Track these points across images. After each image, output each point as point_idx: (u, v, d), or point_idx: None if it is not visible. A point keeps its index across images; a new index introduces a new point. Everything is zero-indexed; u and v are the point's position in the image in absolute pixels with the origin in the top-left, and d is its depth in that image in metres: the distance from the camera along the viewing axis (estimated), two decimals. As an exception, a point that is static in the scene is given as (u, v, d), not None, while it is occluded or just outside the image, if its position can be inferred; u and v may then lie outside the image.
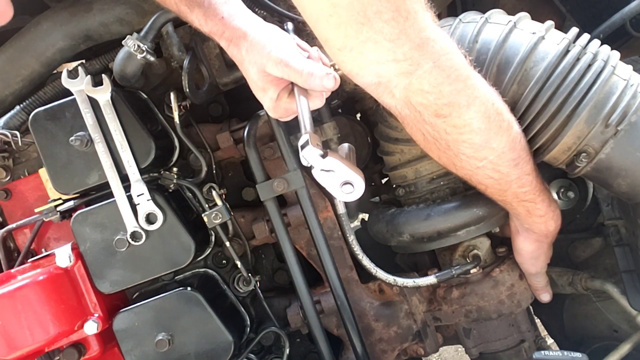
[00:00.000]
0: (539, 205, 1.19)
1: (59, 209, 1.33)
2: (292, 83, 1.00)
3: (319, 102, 1.04)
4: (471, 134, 1.04)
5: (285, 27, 1.20)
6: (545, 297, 1.42)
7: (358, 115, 1.79)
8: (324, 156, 0.88)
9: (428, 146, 1.12)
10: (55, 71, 1.41)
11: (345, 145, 1.02)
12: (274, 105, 1.04)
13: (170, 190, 1.35)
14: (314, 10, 0.91)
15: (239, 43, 1.02)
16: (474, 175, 1.14)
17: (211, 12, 1.04)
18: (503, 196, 1.18)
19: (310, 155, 0.87)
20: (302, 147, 0.88)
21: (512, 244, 1.35)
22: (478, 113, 1.02)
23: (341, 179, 0.88)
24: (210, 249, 1.41)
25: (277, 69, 0.98)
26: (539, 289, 1.41)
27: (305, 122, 0.92)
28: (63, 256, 1.27)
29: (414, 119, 1.05)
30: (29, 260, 1.36)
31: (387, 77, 0.97)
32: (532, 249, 1.31)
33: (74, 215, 1.29)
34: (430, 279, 1.35)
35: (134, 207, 1.26)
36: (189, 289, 1.33)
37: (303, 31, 1.32)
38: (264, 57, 0.99)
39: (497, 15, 1.20)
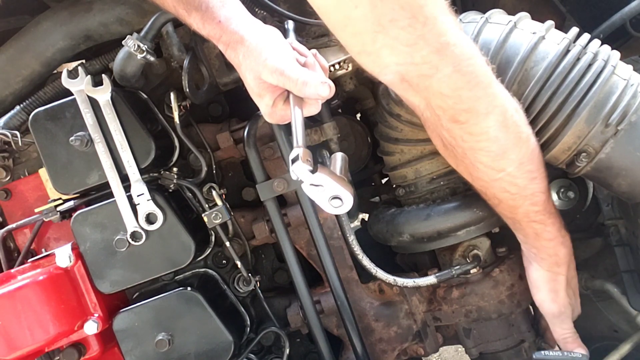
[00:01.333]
0: (549, 228, 1.18)
1: (59, 209, 1.33)
2: (287, 90, 1.00)
3: (314, 109, 1.04)
4: (488, 142, 1.04)
5: (286, 26, 1.20)
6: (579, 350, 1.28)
7: (358, 115, 1.79)
8: (313, 171, 0.89)
9: (446, 153, 1.12)
10: (55, 71, 1.41)
11: (339, 154, 1.02)
12: (270, 111, 1.05)
13: (170, 190, 1.35)
14: (331, 20, 0.94)
15: (236, 48, 1.02)
16: (490, 187, 1.13)
17: (208, 15, 1.04)
18: (514, 213, 1.17)
19: (299, 170, 0.89)
20: (293, 161, 0.90)
21: (527, 279, 1.31)
22: (496, 122, 1.02)
23: (330, 193, 0.90)
24: (210, 249, 1.41)
25: (272, 77, 0.98)
26: (567, 338, 1.29)
27: (298, 136, 0.93)
28: (63, 256, 1.27)
29: (433, 122, 1.06)
30: (29, 260, 1.36)
31: (409, 77, 0.98)
32: (546, 280, 1.26)
33: (74, 215, 1.29)
34: (430, 279, 1.35)
35: (134, 207, 1.26)
36: (189, 289, 1.33)
37: (303, 30, 1.32)
38: (259, 64, 0.99)
39: (497, 15, 1.19)
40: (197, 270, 1.43)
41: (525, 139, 1.07)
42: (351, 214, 1.44)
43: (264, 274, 1.57)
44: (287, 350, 1.43)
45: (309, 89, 0.96)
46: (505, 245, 1.43)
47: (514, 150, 1.06)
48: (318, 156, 1.41)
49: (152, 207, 1.26)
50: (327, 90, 0.96)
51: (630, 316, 1.38)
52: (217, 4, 1.05)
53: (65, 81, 1.23)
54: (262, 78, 1.00)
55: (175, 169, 1.35)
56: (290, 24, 1.20)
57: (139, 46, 1.20)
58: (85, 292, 1.30)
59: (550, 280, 1.26)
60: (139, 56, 1.21)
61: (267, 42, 1.01)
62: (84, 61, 1.39)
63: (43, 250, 1.41)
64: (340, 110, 1.76)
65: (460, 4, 1.76)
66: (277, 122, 1.08)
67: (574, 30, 1.14)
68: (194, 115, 1.41)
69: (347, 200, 0.91)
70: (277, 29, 1.16)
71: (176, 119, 1.33)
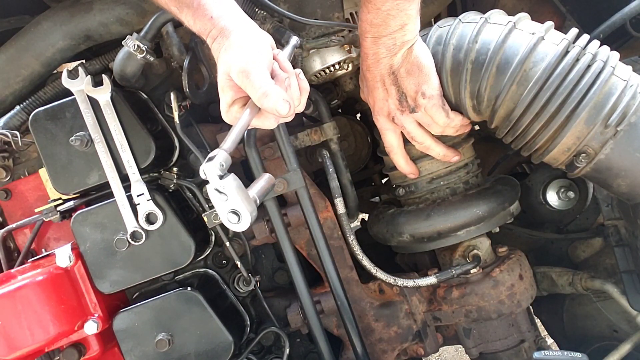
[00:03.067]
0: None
1: (59, 209, 1.33)
2: (249, 97, 0.99)
3: (269, 124, 1.03)
4: None
5: (290, 38, 1.19)
6: (409, 170, 1.35)
7: (358, 115, 1.80)
8: (222, 177, 0.87)
9: None
10: (55, 71, 1.41)
11: (266, 175, 1.00)
12: (226, 109, 1.04)
13: (170, 190, 1.35)
14: None
15: (221, 41, 1.02)
16: None
17: (200, 12, 1.04)
18: None
19: (209, 171, 0.86)
20: (208, 159, 0.87)
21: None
22: None
23: (230, 206, 0.87)
24: (210, 249, 1.41)
25: (237, 77, 0.97)
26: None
27: (229, 139, 0.91)
28: (63, 256, 1.27)
29: None
30: (29, 260, 1.36)
31: None
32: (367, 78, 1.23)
33: (74, 215, 1.29)
34: (430, 279, 1.35)
35: (134, 207, 1.26)
36: (189, 289, 1.34)
37: (303, 30, 1.32)
38: (231, 60, 0.98)
39: (496, 15, 1.20)
40: (197, 270, 1.43)
41: None
42: (351, 214, 1.44)
43: (264, 274, 1.56)
44: (287, 350, 1.43)
45: (267, 101, 0.94)
46: (505, 245, 1.44)
47: None
48: (318, 156, 1.42)
49: (152, 207, 1.26)
50: (286, 108, 0.94)
51: (630, 316, 1.38)
52: (209, 1, 1.05)
53: (65, 81, 1.23)
54: (230, 75, 0.99)
55: (175, 169, 1.36)
56: (293, 40, 1.19)
57: (139, 46, 1.20)
58: (85, 292, 1.30)
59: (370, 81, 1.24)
60: (139, 56, 1.21)
61: (250, 44, 1.00)
62: (84, 61, 1.40)
63: (43, 250, 1.41)
64: (340, 110, 1.77)
65: (460, 4, 1.76)
66: (230, 122, 1.05)
67: (574, 31, 1.14)
68: (194, 115, 1.41)
69: (245, 219, 0.87)
70: (277, 33, 1.16)
71: (176, 119, 1.33)
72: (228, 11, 1.04)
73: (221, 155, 0.87)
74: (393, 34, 1.13)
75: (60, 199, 1.34)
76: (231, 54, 0.99)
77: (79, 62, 1.40)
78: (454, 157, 1.31)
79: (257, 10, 1.27)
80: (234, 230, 0.97)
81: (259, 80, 0.95)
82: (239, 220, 0.87)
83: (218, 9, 1.04)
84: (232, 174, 0.88)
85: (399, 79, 1.20)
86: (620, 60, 1.13)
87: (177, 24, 1.30)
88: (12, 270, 1.34)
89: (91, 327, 1.26)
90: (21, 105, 1.36)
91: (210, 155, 0.87)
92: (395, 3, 1.09)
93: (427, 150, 1.30)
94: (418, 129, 1.26)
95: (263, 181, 0.98)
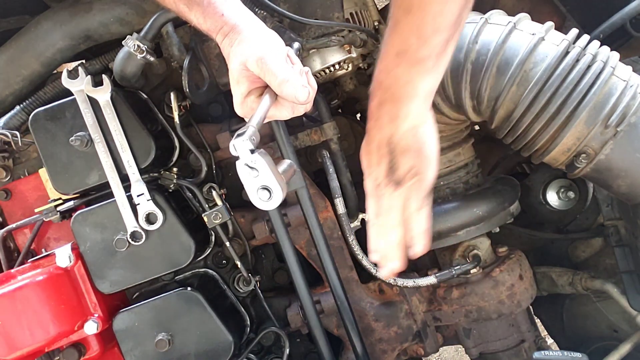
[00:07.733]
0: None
1: (59, 209, 1.33)
2: (266, 86, 0.99)
3: (285, 113, 1.02)
4: None
5: (292, 43, 1.20)
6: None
7: (358, 115, 1.79)
8: (253, 152, 0.84)
9: None
10: (55, 71, 1.41)
11: (287, 161, 0.98)
12: (241, 100, 1.03)
13: (170, 190, 1.35)
14: None
15: (233, 37, 1.02)
16: None
17: (211, 10, 1.05)
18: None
19: (240, 145, 0.83)
20: (237, 135, 0.85)
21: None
22: None
23: (261, 182, 0.85)
24: (210, 249, 1.41)
25: (256, 66, 0.97)
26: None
27: (255, 118, 0.89)
28: (63, 256, 1.27)
29: None
30: (29, 260, 1.36)
31: None
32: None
33: (74, 215, 1.29)
34: (430, 279, 1.35)
35: (134, 207, 1.26)
36: (189, 289, 1.34)
37: (303, 30, 1.32)
38: (248, 51, 0.98)
39: (496, 16, 1.19)
40: (197, 270, 1.43)
41: None
42: (351, 214, 1.44)
43: (264, 274, 1.57)
44: (287, 350, 1.43)
45: (287, 87, 0.94)
46: (505, 245, 1.44)
47: None
48: (318, 156, 1.42)
49: (152, 207, 1.26)
50: (305, 94, 0.94)
51: (630, 316, 1.38)
52: (219, 0, 1.05)
53: (65, 81, 1.23)
54: (247, 65, 0.98)
55: (175, 169, 1.35)
56: (295, 45, 1.19)
57: (139, 46, 1.20)
58: (85, 292, 1.30)
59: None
60: (139, 56, 1.21)
61: (265, 37, 1.01)
62: (84, 61, 1.40)
63: (43, 250, 1.41)
64: (340, 110, 1.77)
65: (460, 4, 1.75)
66: (244, 114, 1.04)
67: (574, 31, 1.14)
68: (194, 115, 1.41)
69: (277, 195, 0.85)
70: (277, 33, 1.16)
71: (176, 119, 1.33)
72: (238, 10, 1.05)
73: (251, 130, 0.85)
74: (397, 104, 0.99)
75: (60, 199, 1.34)
76: (247, 45, 0.99)
77: (79, 62, 1.40)
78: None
79: (257, 10, 1.27)
80: (264, 209, 0.93)
81: (279, 67, 0.95)
82: (270, 196, 0.85)
83: (228, 7, 1.04)
84: (262, 149, 0.86)
85: (395, 152, 1.02)
86: (620, 60, 1.13)
87: (177, 24, 1.30)
88: (12, 270, 1.34)
89: (91, 327, 1.26)
90: (21, 105, 1.36)
91: (239, 131, 0.85)
92: (409, 77, 0.95)
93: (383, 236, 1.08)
94: (391, 213, 1.07)
95: (286, 165, 0.96)
